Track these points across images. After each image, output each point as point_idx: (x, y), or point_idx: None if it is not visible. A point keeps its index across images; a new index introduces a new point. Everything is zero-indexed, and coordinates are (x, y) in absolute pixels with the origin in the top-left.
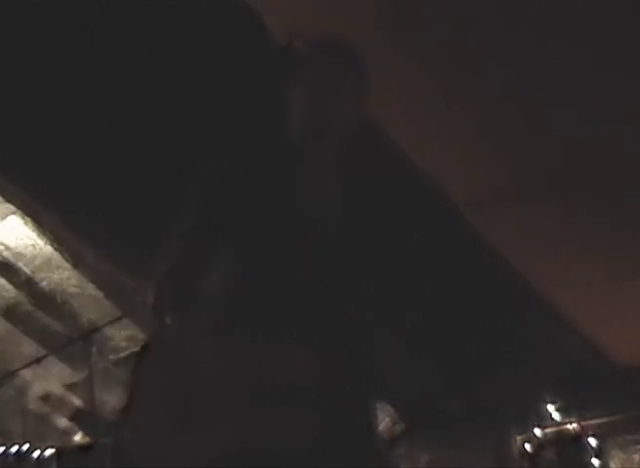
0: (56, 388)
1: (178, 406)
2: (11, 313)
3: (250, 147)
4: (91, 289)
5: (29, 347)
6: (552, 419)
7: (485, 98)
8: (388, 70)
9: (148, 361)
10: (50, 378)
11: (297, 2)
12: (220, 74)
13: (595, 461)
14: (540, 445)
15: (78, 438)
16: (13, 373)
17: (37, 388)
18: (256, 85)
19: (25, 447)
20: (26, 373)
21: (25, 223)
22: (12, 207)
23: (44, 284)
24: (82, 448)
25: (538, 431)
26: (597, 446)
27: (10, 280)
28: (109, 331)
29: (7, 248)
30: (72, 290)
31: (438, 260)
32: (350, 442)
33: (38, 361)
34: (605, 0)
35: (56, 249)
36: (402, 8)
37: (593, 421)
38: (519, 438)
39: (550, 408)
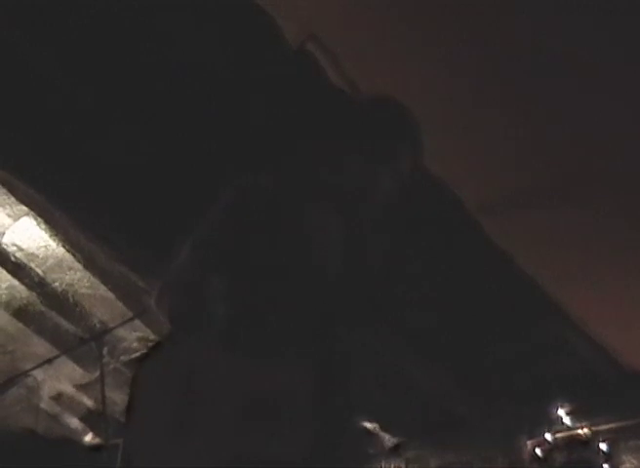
0: (67, 388)
1: (181, 411)
2: (23, 313)
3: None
4: (102, 290)
5: (41, 347)
6: (563, 424)
7: (497, 102)
8: (401, 71)
9: (155, 365)
10: (61, 379)
11: (310, 4)
12: (231, 77)
13: (606, 466)
14: (550, 449)
15: (89, 438)
16: (24, 373)
17: (48, 388)
18: (270, 89)
19: None
20: (38, 373)
21: (38, 224)
22: (25, 208)
23: (56, 285)
24: (92, 449)
25: (548, 436)
26: (608, 450)
27: (22, 281)
28: (121, 332)
29: (19, 249)
30: (84, 291)
31: (449, 263)
32: (345, 455)
33: (50, 361)
34: None
35: (68, 250)
36: (417, 12)
37: (604, 426)
38: (530, 442)
39: (561, 412)
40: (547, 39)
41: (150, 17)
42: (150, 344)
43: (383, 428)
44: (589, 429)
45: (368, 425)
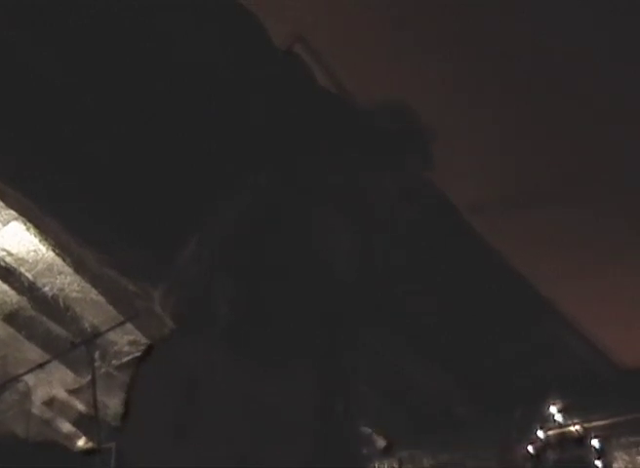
0: (59, 393)
1: (181, 413)
2: (14, 318)
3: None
4: (93, 294)
5: (32, 352)
6: (555, 421)
7: (497, 102)
8: (392, 72)
9: (151, 368)
10: (53, 383)
11: (297, 5)
12: (230, 77)
13: (598, 463)
14: (543, 447)
15: (81, 442)
16: (16, 379)
17: (41, 393)
18: (266, 90)
19: None
20: (29, 379)
21: (27, 229)
22: (14, 213)
23: (46, 289)
24: (85, 453)
25: (541, 433)
26: (600, 447)
27: (12, 285)
28: (112, 335)
29: (9, 253)
30: (75, 295)
31: (448, 263)
32: (345, 455)
33: (41, 366)
34: None
35: (58, 254)
36: (410, 12)
37: (596, 423)
38: (522, 440)
39: (553, 409)
40: (547, 39)
41: (150, 17)
42: (142, 348)
43: (379, 428)
44: (581, 426)
45: (363, 425)
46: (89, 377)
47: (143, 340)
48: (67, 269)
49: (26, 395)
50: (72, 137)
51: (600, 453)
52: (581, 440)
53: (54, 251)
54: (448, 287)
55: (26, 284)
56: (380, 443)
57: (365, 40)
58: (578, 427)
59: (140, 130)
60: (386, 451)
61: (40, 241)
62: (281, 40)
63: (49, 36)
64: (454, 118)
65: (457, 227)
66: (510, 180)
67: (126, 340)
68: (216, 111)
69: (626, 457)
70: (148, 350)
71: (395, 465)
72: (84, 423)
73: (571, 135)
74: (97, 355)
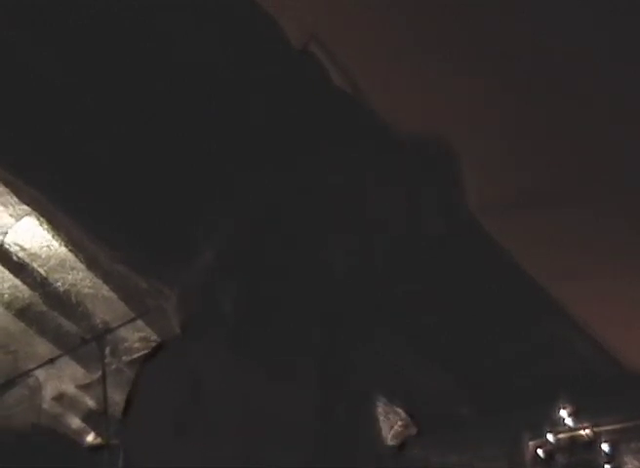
0: (69, 388)
1: (185, 412)
2: (25, 313)
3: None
4: (105, 290)
5: (43, 347)
6: (565, 425)
7: (498, 102)
8: (392, 72)
9: (158, 367)
10: (63, 379)
11: (312, 4)
12: (231, 77)
13: (608, 467)
14: (552, 450)
15: (90, 438)
16: (26, 373)
17: (50, 388)
18: (271, 89)
19: None
20: (40, 373)
21: (40, 224)
22: (27, 208)
23: (58, 285)
24: (94, 449)
25: (550, 436)
26: (610, 451)
27: (24, 280)
28: (123, 332)
29: (22, 248)
30: (86, 291)
31: (451, 265)
32: (346, 456)
33: (52, 361)
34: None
35: (70, 250)
36: (418, 12)
37: (607, 427)
38: (532, 443)
39: (563, 413)
40: (547, 39)
41: (150, 17)
42: (152, 345)
43: (385, 428)
44: (592, 430)
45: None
46: (99, 373)
47: (154, 337)
48: (80, 265)
49: (36, 390)
50: (83, 135)
51: (610, 458)
52: (591, 444)
53: (66, 246)
54: (448, 287)
55: (39, 279)
56: (392, 442)
57: (366, 40)
58: (588, 431)
59: (141, 130)
60: (398, 451)
61: (53, 236)
62: (295, 40)
63: (49, 36)
64: (454, 118)
65: (457, 227)
66: (510, 180)
67: (137, 337)
68: (216, 111)
69: (636, 462)
70: (157, 348)
71: (403, 465)
72: (93, 419)
73: (571, 135)
74: (107, 351)
